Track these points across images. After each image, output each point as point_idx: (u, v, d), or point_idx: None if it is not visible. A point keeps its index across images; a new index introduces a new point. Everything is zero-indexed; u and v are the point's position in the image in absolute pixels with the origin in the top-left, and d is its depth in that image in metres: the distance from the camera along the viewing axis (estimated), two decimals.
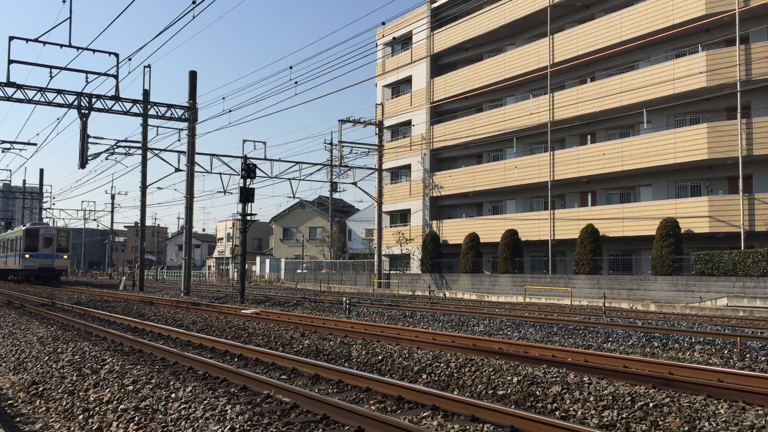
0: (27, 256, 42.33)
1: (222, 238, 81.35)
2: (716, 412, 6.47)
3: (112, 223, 72.58)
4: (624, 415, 6.43)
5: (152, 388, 7.48)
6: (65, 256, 44.24)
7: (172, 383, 7.75)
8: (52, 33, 61.22)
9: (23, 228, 44.25)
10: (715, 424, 6.06)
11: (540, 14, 36.82)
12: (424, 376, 8.77)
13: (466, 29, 41.48)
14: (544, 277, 33.23)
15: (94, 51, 25.29)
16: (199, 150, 34.23)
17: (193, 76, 31.78)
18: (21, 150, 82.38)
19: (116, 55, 27.19)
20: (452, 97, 41.98)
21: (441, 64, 45.12)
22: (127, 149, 37.79)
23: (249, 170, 25.71)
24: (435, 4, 43.35)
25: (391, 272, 45.05)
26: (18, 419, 6.84)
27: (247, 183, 25.75)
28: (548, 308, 24.80)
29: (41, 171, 66.36)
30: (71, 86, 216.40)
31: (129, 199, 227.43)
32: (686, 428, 6.03)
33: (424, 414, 6.57)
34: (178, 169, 34.83)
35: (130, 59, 25.13)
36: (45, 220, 64.09)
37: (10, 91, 26.33)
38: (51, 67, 25.97)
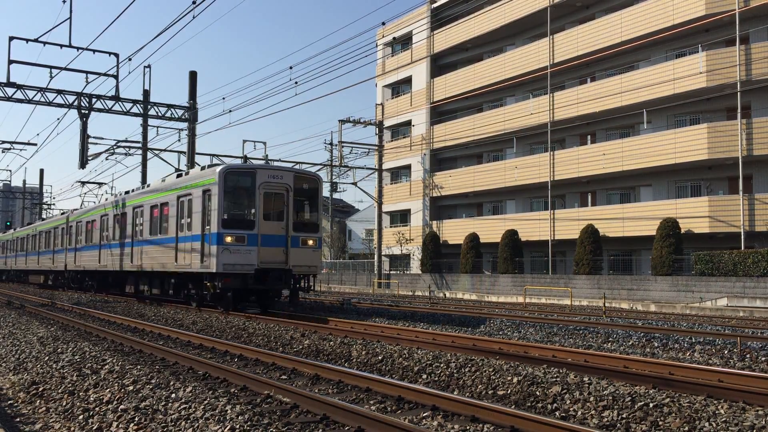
0: (228, 239, 17.12)
1: None
2: (716, 412, 6.46)
3: None
4: (624, 416, 6.43)
5: (152, 388, 7.48)
6: (311, 241, 18.46)
7: (172, 383, 7.75)
8: (52, 33, 61.28)
9: (217, 169, 17.71)
10: (715, 425, 6.05)
11: (540, 14, 36.84)
12: (424, 376, 8.77)
13: (466, 29, 41.49)
14: (544, 277, 33.22)
15: (94, 51, 25.26)
16: (199, 150, 34.33)
17: (193, 76, 31.76)
18: (21, 150, 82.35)
19: (116, 55, 27.16)
20: (452, 97, 41.98)
21: (441, 64, 45.12)
22: (127, 149, 37.75)
23: None
24: (435, 4, 43.35)
25: (391, 272, 45.04)
26: (18, 419, 6.84)
27: None
28: (548, 308, 24.78)
29: (41, 171, 66.34)
30: (71, 86, 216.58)
31: None
32: (686, 428, 6.03)
33: (424, 414, 6.57)
34: (178, 169, 34.81)
35: (130, 59, 25.09)
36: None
37: (10, 91, 26.30)
38: (51, 67, 25.94)
